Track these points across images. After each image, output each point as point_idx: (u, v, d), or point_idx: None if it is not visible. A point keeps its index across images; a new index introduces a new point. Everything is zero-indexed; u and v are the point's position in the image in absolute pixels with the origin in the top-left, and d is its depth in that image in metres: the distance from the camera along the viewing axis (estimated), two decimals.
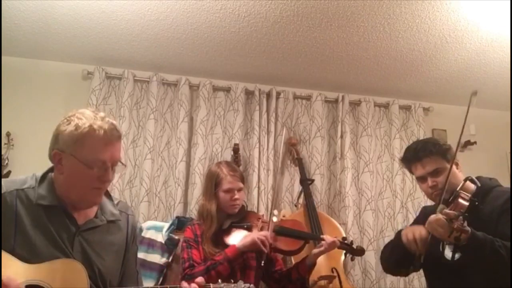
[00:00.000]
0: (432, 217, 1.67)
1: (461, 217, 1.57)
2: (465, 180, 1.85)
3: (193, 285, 1.45)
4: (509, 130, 3.51)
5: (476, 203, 1.72)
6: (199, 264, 2.08)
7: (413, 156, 1.96)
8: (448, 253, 1.78)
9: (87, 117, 1.40)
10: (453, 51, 3.00)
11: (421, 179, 1.95)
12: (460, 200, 1.70)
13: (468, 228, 1.58)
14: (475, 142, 3.68)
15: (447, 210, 1.64)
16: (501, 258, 1.59)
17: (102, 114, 1.44)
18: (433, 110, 3.72)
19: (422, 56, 3.07)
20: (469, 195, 1.74)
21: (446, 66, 3.20)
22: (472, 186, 1.88)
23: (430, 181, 1.90)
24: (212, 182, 2.27)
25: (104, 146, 1.39)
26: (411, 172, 2.03)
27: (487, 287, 1.69)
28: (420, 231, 1.77)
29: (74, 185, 1.42)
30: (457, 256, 1.74)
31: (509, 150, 3.68)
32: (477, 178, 1.92)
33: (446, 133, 3.72)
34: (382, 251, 2.17)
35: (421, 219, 2.13)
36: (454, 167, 1.88)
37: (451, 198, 1.77)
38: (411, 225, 2.26)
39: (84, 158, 1.38)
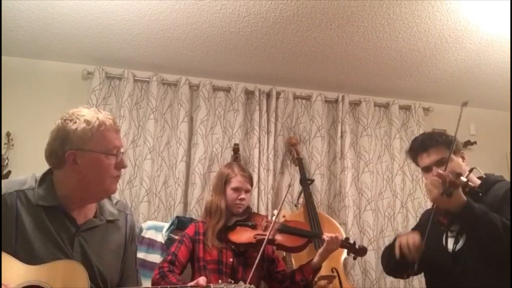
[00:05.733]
0: (428, 180, 1.69)
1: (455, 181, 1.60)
2: (470, 171, 1.85)
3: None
4: (509, 130, 3.51)
5: (480, 194, 1.72)
6: (180, 264, 2.11)
7: (420, 146, 1.96)
8: (450, 245, 1.80)
9: (88, 112, 1.46)
10: (453, 51, 3.00)
11: (426, 170, 1.94)
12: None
13: (462, 181, 1.62)
14: (475, 142, 3.67)
15: (440, 171, 1.66)
16: (496, 230, 1.58)
17: (93, 108, 1.52)
18: (433, 110, 3.71)
19: (422, 56, 3.07)
20: (474, 185, 1.74)
21: (446, 66, 3.20)
22: (476, 180, 1.88)
23: (434, 171, 1.87)
24: (222, 180, 2.33)
25: (116, 134, 1.49)
26: (417, 164, 2.02)
27: (487, 278, 1.68)
28: (414, 238, 1.78)
29: (94, 180, 1.44)
30: (458, 246, 1.76)
31: (509, 150, 3.68)
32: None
33: (446, 133, 3.71)
34: (382, 253, 2.17)
35: (424, 223, 2.12)
36: (460, 159, 1.90)
37: None
38: (413, 229, 2.25)
39: (105, 149, 1.44)
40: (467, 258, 1.74)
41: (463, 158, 1.94)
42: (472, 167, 1.88)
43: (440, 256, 1.83)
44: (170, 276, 2.02)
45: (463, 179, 1.68)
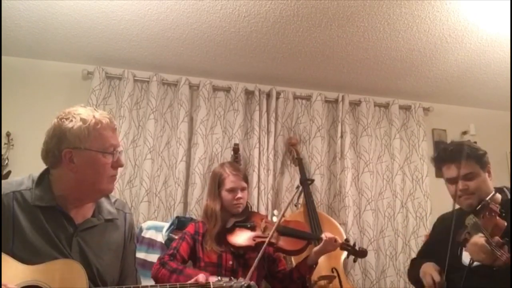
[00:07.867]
0: (475, 241, 1.58)
1: (506, 245, 1.50)
2: (500, 191, 1.84)
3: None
4: (509, 130, 3.51)
5: (503, 214, 1.68)
6: (181, 258, 2.11)
7: (448, 156, 1.93)
8: (465, 259, 1.75)
9: (84, 111, 1.46)
10: (453, 51, 2.99)
11: (451, 181, 1.91)
12: (498, 218, 1.62)
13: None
14: (475, 142, 3.66)
15: (492, 240, 1.54)
16: None
17: (89, 107, 1.52)
18: (433, 110, 3.71)
19: (422, 56, 3.06)
20: (499, 207, 1.68)
21: (446, 66, 3.20)
22: (499, 197, 1.86)
23: (461, 184, 1.86)
24: (216, 182, 2.30)
25: (112, 133, 1.48)
26: (440, 171, 1.99)
27: None
28: (435, 276, 1.83)
29: (90, 179, 1.44)
30: (475, 263, 1.69)
31: (509, 150, 3.67)
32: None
33: (446, 133, 3.72)
34: (408, 271, 2.18)
35: (440, 231, 2.07)
36: (486, 174, 1.89)
37: (478, 206, 1.73)
38: (429, 235, 2.21)
39: (101, 148, 1.43)
40: (483, 276, 1.68)
41: (489, 172, 1.91)
42: (501, 186, 1.88)
43: (454, 270, 1.78)
44: (170, 263, 2.03)
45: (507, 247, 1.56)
